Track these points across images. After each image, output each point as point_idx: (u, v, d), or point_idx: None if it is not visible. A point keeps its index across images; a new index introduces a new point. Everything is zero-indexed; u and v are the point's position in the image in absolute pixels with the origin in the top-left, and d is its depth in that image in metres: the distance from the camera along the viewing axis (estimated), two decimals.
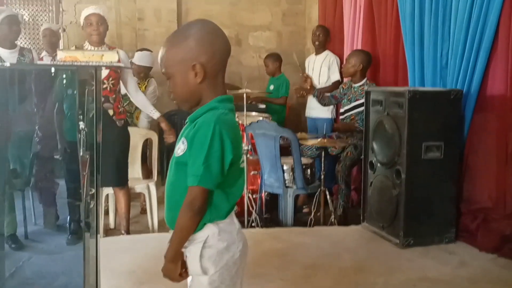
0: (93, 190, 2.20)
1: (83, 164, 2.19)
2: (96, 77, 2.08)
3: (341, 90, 4.96)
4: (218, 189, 1.60)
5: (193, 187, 1.56)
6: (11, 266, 2.49)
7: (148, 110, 4.15)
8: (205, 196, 1.57)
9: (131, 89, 4.04)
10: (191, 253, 1.64)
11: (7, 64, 3.17)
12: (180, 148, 1.61)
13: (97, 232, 2.29)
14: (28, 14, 6.45)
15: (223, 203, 1.64)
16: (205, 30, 1.64)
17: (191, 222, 1.58)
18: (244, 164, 1.75)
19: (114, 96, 3.91)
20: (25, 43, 6.35)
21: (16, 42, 4.23)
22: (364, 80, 4.76)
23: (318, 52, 5.62)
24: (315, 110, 5.41)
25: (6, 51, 4.11)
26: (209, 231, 1.63)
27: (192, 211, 1.57)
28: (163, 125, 4.16)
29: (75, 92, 2.29)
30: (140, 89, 4.30)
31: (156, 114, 4.13)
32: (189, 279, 1.72)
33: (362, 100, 4.60)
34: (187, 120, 1.69)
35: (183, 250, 1.65)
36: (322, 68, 5.47)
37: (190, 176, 1.57)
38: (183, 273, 1.64)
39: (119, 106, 3.98)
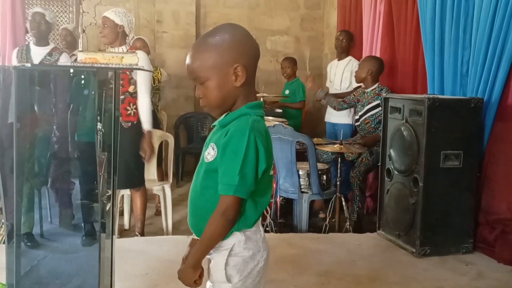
0: (110, 192, 2.19)
1: (100, 165, 2.19)
2: (116, 79, 2.08)
3: (352, 97, 4.93)
4: (249, 198, 1.58)
5: (227, 197, 1.53)
6: (27, 264, 2.49)
7: (142, 118, 3.93)
8: (239, 206, 1.55)
9: (139, 90, 3.93)
10: (216, 260, 1.63)
11: (28, 64, 3.21)
12: (210, 154, 1.58)
13: (112, 233, 2.28)
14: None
15: (252, 212, 1.61)
16: (240, 33, 1.62)
17: (222, 231, 1.57)
18: (273, 172, 1.70)
19: (122, 97, 3.85)
20: None
21: (49, 41, 4.33)
22: (376, 85, 4.75)
23: (340, 57, 5.56)
24: (335, 115, 5.36)
25: (37, 48, 4.20)
26: (236, 239, 1.61)
27: (226, 220, 1.55)
28: (146, 141, 3.93)
29: (93, 93, 2.29)
30: None
31: (146, 126, 3.92)
32: (208, 285, 1.70)
33: (375, 103, 4.67)
34: (214, 123, 1.66)
35: (208, 256, 1.63)
36: (344, 74, 5.43)
37: (224, 185, 1.54)
38: (198, 280, 1.63)
39: (127, 108, 3.89)
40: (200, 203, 1.64)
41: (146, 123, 3.93)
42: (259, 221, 1.68)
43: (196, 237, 1.67)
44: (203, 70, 1.57)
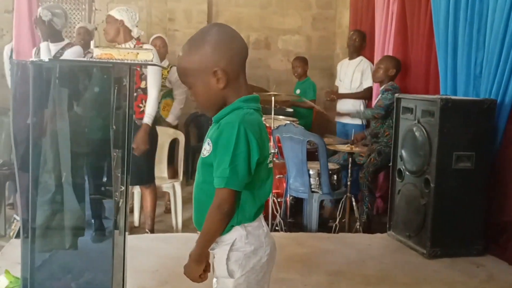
0: (123, 188, 2.20)
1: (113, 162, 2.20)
2: (130, 75, 2.09)
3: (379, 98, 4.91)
4: (245, 190, 1.60)
5: (221, 189, 1.56)
6: (39, 259, 2.50)
7: (147, 110, 3.88)
8: (233, 198, 1.57)
9: (149, 84, 3.90)
10: (218, 255, 1.64)
11: (45, 59, 3.22)
12: (206, 149, 1.61)
13: (125, 230, 2.30)
14: None
15: (249, 204, 1.63)
16: (220, 35, 1.63)
17: (219, 224, 1.58)
18: (272, 165, 1.72)
19: (135, 94, 3.84)
20: None
21: (64, 37, 4.38)
22: (386, 84, 4.70)
23: (352, 57, 5.52)
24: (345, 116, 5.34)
25: (51, 45, 4.25)
26: (237, 233, 1.63)
27: (221, 213, 1.56)
28: (140, 133, 3.83)
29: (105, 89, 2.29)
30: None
31: (146, 119, 3.86)
32: (214, 280, 1.71)
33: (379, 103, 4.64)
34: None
35: (210, 251, 1.64)
36: (355, 74, 5.39)
37: (217, 178, 1.56)
38: (203, 274, 1.64)
39: (140, 105, 3.91)
40: (201, 198, 1.66)
41: (148, 115, 3.87)
42: (261, 216, 1.70)
43: None
44: (187, 75, 1.63)
